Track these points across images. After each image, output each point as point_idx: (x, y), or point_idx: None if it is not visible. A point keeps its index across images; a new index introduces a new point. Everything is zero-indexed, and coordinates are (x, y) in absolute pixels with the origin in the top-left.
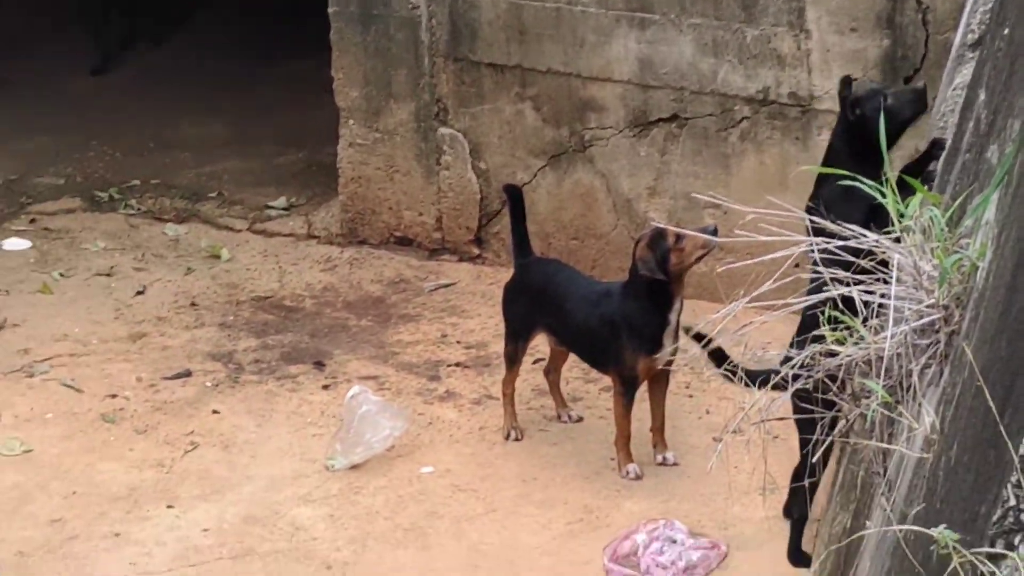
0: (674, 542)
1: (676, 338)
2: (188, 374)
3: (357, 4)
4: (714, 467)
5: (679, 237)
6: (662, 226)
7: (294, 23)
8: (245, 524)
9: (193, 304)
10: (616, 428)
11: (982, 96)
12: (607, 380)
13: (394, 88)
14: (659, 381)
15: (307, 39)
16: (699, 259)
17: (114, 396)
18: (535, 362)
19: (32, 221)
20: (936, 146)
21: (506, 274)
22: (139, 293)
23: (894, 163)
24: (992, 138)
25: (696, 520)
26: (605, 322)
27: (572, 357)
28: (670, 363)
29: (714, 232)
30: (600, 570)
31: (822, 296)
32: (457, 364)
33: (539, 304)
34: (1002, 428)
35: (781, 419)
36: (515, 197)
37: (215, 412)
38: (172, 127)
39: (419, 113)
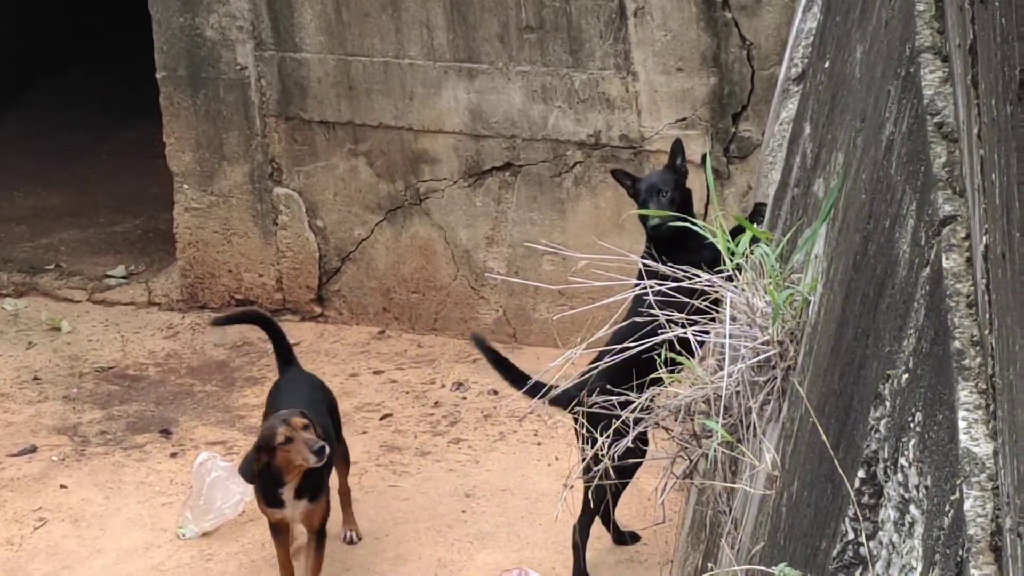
0: None
1: (302, 497)
2: (33, 449)
3: (185, 67)
4: (563, 514)
5: (289, 439)
6: (283, 420)
7: (126, 91)
8: None
9: (35, 378)
10: None
11: (807, 130)
12: (457, 432)
13: (227, 150)
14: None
15: (138, 106)
16: (300, 467)
17: None
18: (383, 418)
19: None
20: (757, 212)
21: (351, 332)
22: None
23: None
24: (818, 171)
25: (550, 568)
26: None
27: (421, 411)
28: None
29: (320, 451)
30: None
31: (661, 338)
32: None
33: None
34: (836, 463)
35: (627, 463)
36: (261, 321)
37: (63, 487)
38: (6, 200)
39: (253, 174)
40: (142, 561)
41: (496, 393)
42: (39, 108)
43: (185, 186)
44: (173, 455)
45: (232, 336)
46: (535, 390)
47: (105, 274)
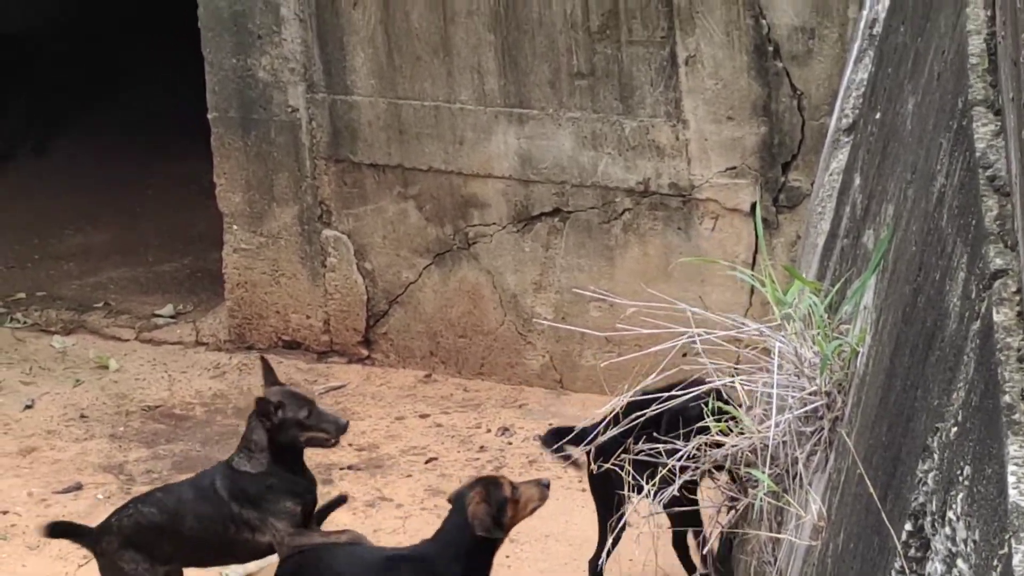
0: None
1: None
2: (79, 487)
3: (237, 109)
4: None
5: (514, 487)
6: (495, 476)
7: (174, 126)
8: None
9: (82, 416)
10: None
11: (857, 180)
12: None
13: (276, 192)
14: None
15: (188, 142)
16: (534, 511)
17: (5, 512)
18: (428, 462)
19: None
20: None
21: (397, 375)
22: (28, 407)
23: None
24: (868, 223)
25: None
26: None
27: (466, 456)
28: None
29: (547, 485)
30: None
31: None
32: (349, 467)
33: None
34: (884, 515)
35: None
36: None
37: None
38: (55, 237)
39: (302, 216)
40: None
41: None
42: (86, 138)
43: (235, 227)
44: None
45: (279, 377)
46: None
47: (153, 313)
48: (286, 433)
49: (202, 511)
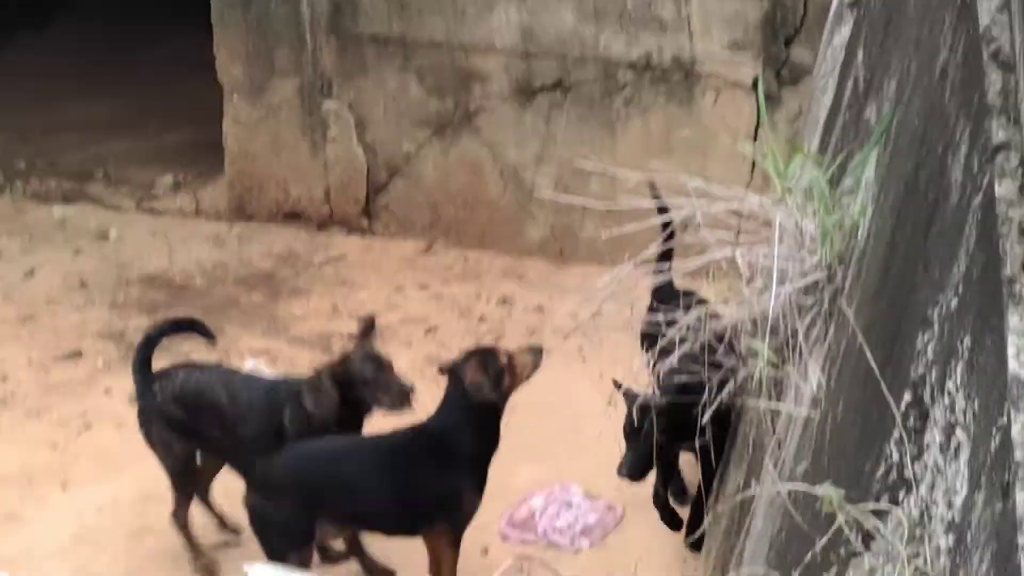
0: (570, 505)
1: None
2: (79, 354)
3: None
4: (606, 430)
5: (509, 354)
6: (488, 345)
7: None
8: (140, 502)
9: (83, 284)
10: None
11: (860, 55)
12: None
13: (277, 64)
14: None
15: (187, 15)
16: (529, 376)
17: (4, 379)
18: (427, 332)
19: None
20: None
21: (397, 246)
22: (28, 275)
23: None
24: (871, 97)
25: (592, 483)
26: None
27: (466, 326)
28: None
29: (540, 351)
30: (498, 536)
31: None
32: (349, 336)
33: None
34: (883, 386)
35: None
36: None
37: (107, 391)
38: (56, 109)
39: (303, 88)
40: None
41: (542, 310)
42: (88, 12)
43: (235, 98)
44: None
45: (278, 248)
46: None
47: (153, 183)
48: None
49: None
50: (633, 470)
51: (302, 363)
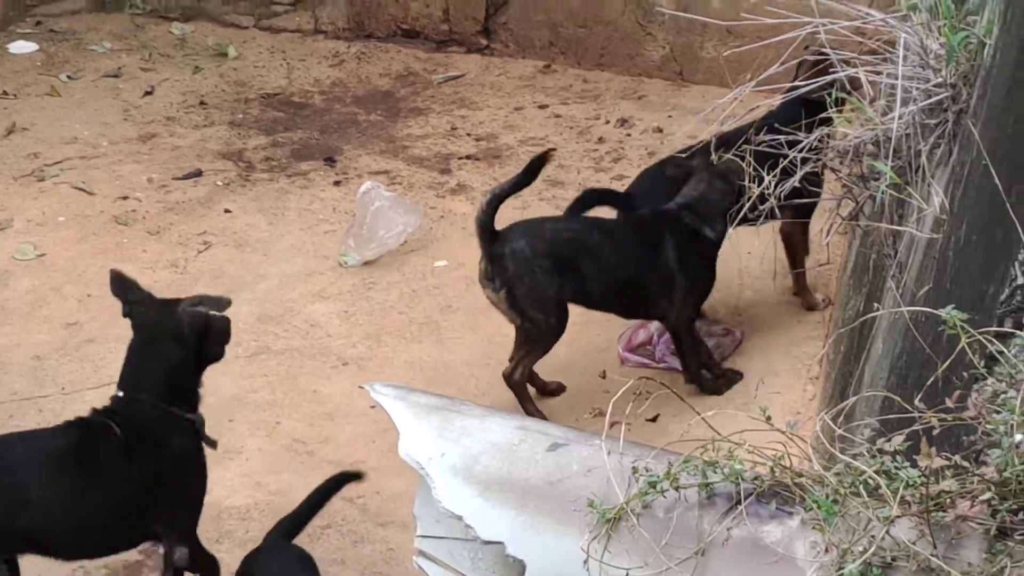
0: None
1: None
2: (199, 174)
3: None
4: (726, 254)
5: None
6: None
7: None
8: (260, 322)
9: (202, 103)
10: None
11: None
12: (620, 169)
13: None
14: None
15: None
16: None
17: (125, 198)
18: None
19: (38, 23)
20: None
21: (516, 65)
22: (147, 93)
23: None
24: None
25: (709, 307)
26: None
27: (585, 147)
28: None
29: None
30: (615, 358)
31: (830, 78)
32: (468, 157)
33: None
34: (1009, 206)
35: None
36: None
37: (227, 211)
38: None
39: None
40: (304, 287)
41: (661, 131)
42: None
43: None
44: (336, 183)
45: (396, 66)
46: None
47: (272, 0)
48: None
49: None
50: None
51: (420, 184)
